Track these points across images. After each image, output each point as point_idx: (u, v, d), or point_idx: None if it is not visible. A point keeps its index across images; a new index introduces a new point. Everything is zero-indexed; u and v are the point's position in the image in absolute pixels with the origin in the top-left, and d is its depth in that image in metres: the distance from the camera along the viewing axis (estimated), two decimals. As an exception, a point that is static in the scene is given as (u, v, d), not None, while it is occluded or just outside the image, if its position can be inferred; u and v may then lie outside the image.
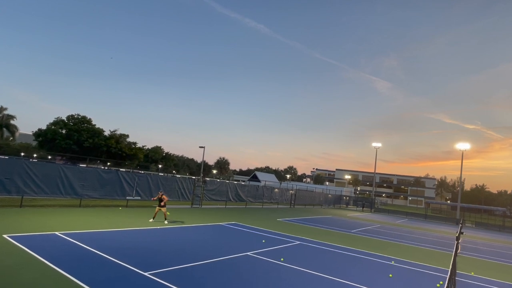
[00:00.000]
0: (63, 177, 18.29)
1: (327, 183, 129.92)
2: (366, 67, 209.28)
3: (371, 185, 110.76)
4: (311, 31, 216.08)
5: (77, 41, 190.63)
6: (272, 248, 13.34)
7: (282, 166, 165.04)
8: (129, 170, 47.95)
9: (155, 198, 17.47)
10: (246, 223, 20.13)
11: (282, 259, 11.40)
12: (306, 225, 23.51)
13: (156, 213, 16.82)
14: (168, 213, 17.25)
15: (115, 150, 64.41)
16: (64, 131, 61.52)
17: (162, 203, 16.67)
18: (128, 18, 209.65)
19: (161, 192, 17.06)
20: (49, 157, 61.64)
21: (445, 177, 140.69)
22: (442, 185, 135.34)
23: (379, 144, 63.04)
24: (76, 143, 59.88)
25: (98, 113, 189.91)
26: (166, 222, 16.54)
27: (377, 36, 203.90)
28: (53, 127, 61.45)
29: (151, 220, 16.61)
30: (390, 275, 11.05)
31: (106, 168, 42.00)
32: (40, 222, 13.09)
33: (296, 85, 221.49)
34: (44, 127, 62.48)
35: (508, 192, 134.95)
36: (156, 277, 7.88)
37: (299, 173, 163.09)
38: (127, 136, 70.28)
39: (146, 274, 8.03)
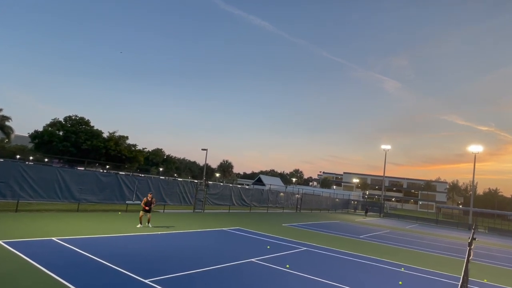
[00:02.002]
0: (60, 181, 17.97)
1: (334, 187, 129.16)
2: (375, 66, 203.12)
3: (380, 189, 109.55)
4: (318, 29, 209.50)
5: (74, 40, 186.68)
6: (277, 254, 13.09)
7: (287, 169, 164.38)
8: (128, 173, 47.76)
9: (146, 201, 15.96)
10: (251, 229, 19.82)
11: (287, 265, 11.18)
12: (312, 230, 23.18)
13: (141, 218, 15.72)
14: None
15: (114, 153, 63.63)
16: (61, 133, 60.65)
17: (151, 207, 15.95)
18: (128, 16, 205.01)
19: (151, 194, 16.42)
20: (46, 159, 61.29)
21: (457, 180, 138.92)
22: (453, 189, 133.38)
23: (388, 147, 62.22)
24: (73, 145, 59.20)
25: (96, 114, 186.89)
26: (149, 225, 15.80)
27: (387, 34, 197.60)
28: (50, 128, 60.73)
29: (138, 225, 15.67)
30: (400, 283, 10.84)
31: (105, 171, 41.77)
32: (36, 227, 12.90)
33: (302, 84, 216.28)
34: (40, 128, 61.68)
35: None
36: (157, 284, 7.69)
37: (305, 177, 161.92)
38: (127, 138, 69.52)
39: (146, 281, 7.82)
